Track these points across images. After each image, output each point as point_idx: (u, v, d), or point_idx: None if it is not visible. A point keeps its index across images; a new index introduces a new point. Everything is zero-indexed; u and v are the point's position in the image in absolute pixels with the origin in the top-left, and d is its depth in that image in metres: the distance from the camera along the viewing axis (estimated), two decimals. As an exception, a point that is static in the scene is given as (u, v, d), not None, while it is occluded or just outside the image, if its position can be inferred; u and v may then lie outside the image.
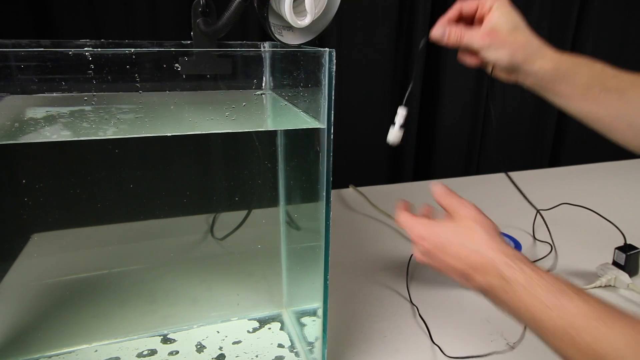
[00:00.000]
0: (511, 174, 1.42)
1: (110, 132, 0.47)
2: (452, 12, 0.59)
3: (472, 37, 0.56)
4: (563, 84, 0.55)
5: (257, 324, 0.70)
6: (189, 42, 0.61)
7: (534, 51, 0.55)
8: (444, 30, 0.58)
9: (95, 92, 0.45)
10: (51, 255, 0.71)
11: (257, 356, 0.63)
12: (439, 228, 0.49)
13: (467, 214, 0.48)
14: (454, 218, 0.50)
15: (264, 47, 0.66)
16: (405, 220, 0.52)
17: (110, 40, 0.60)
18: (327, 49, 0.48)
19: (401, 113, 0.61)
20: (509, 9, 0.55)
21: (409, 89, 0.62)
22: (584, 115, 0.56)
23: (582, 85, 0.54)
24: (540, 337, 0.39)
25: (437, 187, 0.54)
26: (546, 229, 0.99)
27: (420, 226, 0.50)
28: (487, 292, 0.44)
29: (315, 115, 0.51)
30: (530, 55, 0.55)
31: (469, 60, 0.62)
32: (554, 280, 0.38)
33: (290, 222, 0.71)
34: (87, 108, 0.48)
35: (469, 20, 0.59)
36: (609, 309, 0.35)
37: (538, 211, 1.00)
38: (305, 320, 0.68)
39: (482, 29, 0.56)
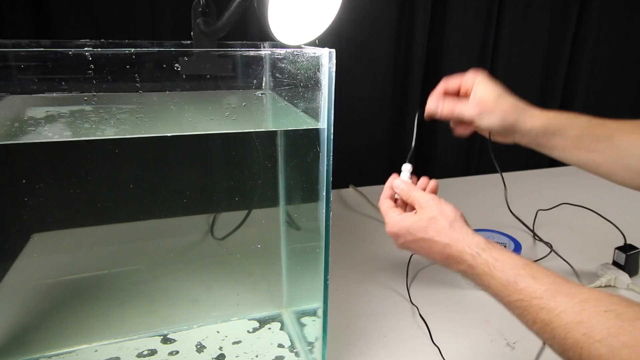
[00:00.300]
0: (511, 174, 1.42)
1: (110, 132, 0.47)
2: (440, 87, 0.63)
3: (462, 108, 0.60)
4: (556, 138, 0.58)
5: (257, 324, 0.70)
6: (189, 42, 0.61)
7: (522, 112, 0.59)
8: (437, 104, 0.62)
9: (95, 92, 0.45)
10: (51, 255, 0.71)
11: (257, 356, 0.64)
12: (408, 223, 0.53)
13: (428, 206, 0.53)
14: (418, 211, 0.54)
15: (264, 47, 0.66)
16: (384, 211, 0.57)
17: (110, 40, 0.60)
18: (327, 49, 0.48)
19: (406, 169, 0.61)
20: (490, 81, 0.60)
21: (412, 149, 0.64)
22: (582, 164, 0.59)
23: (574, 137, 0.57)
24: (506, 306, 0.45)
25: (396, 183, 0.59)
26: (546, 229, 0.99)
27: (392, 222, 0.55)
28: (463, 275, 0.50)
29: (315, 116, 0.51)
30: (520, 116, 0.58)
31: (462, 131, 0.65)
32: (512, 265, 0.44)
33: (290, 222, 0.71)
34: (87, 108, 0.48)
35: (454, 96, 0.63)
36: (557, 285, 0.41)
37: (513, 218, 0.99)
38: (305, 320, 0.68)
39: (471, 101, 0.59)
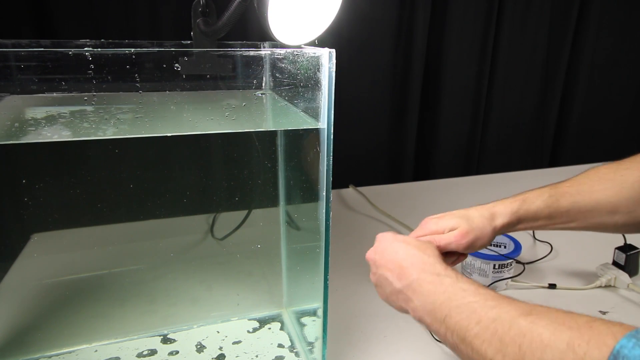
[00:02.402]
0: (511, 174, 1.42)
1: (110, 132, 0.47)
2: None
3: (447, 242, 0.57)
4: (529, 223, 0.59)
5: (257, 324, 0.70)
6: (189, 42, 0.61)
7: (492, 219, 0.58)
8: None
9: (95, 92, 0.45)
10: (51, 255, 0.71)
11: (257, 356, 0.64)
12: (397, 235, 0.54)
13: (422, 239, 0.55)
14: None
15: (264, 47, 0.66)
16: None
17: (110, 40, 0.60)
18: (327, 49, 0.48)
19: None
20: (448, 215, 0.59)
21: None
22: (568, 230, 0.60)
23: (545, 217, 0.58)
24: (444, 318, 0.44)
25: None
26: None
27: (391, 233, 0.55)
28: (411, 285, 0.48)
29: (315, 116, 0.51)
30: (492, 223, 0.58)
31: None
32: (470, 284, 0.45)
33: (290, 222, 0.71)
34: (87, 108, 0.48)
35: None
36: (515, 299, 0.41)
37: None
38: (305, 320, 0.68)
39: (453, 235, 0.57)
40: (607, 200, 0.56)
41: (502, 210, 0.58)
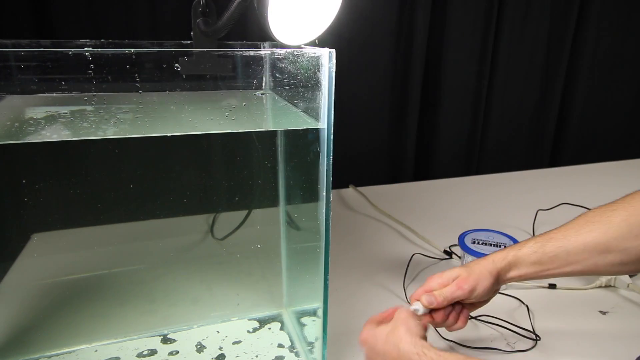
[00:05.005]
0: (511, 174, 1.42)
1: (110, 132, 0.47)
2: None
3: (453, 291, 0.58)
4: (520, 270, 0.59)
5: (257, 324, 0.70)
6: (189, 42, 0.61)
7: (489, 264, 0.59)
8: (429, 297, 0.59)
9: (95, 92, 0.45)
10: (51, 255, 0.71)
11: (257, 356, 0.64)
12: (376, 330, 0.55)
13: (398, 317, 0.55)
14: (391, 321, 0.56)
15: (264, 47, 0.66)
16: (364, 328, 0.57)
17: (110, 40, 0.60)
18: (327, 49, 0.48)
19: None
20: (450, 270, 0.60)
21: None
22: (561, 277, 0.60)
23: (532, 263, 0.58)
24: None
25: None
26: (546, 229, 0.99)
27: (365, 330, 0.56)
28: None
29: (315, 116, 0.51)
30: (481, 276, 0.58)
31: (456, 321, 0.61)
32: (455, 357, 0.47)
33: (290, 222, 0.71)
34: (87, 108, 0.48)
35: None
36: None
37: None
38: (305, 320, 0.68)
39: (456, 283, 0.58)
40: (595, 240, 0.56)
41: (495, 257, 0.60)
